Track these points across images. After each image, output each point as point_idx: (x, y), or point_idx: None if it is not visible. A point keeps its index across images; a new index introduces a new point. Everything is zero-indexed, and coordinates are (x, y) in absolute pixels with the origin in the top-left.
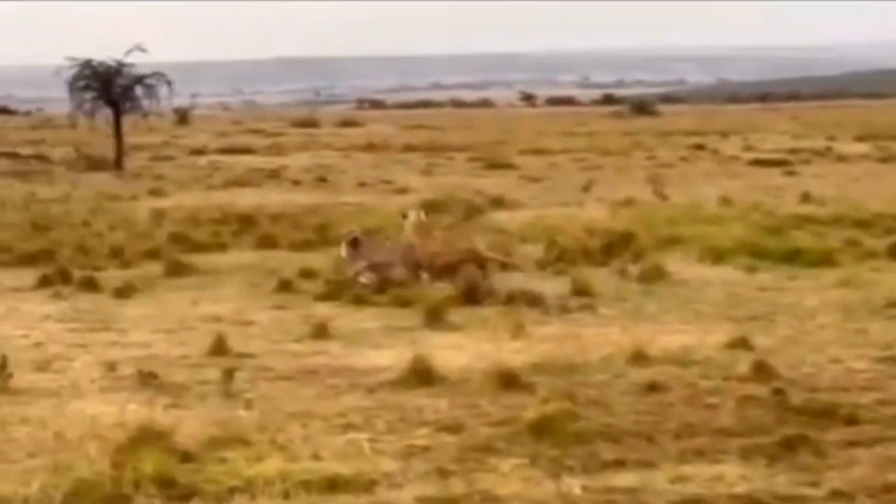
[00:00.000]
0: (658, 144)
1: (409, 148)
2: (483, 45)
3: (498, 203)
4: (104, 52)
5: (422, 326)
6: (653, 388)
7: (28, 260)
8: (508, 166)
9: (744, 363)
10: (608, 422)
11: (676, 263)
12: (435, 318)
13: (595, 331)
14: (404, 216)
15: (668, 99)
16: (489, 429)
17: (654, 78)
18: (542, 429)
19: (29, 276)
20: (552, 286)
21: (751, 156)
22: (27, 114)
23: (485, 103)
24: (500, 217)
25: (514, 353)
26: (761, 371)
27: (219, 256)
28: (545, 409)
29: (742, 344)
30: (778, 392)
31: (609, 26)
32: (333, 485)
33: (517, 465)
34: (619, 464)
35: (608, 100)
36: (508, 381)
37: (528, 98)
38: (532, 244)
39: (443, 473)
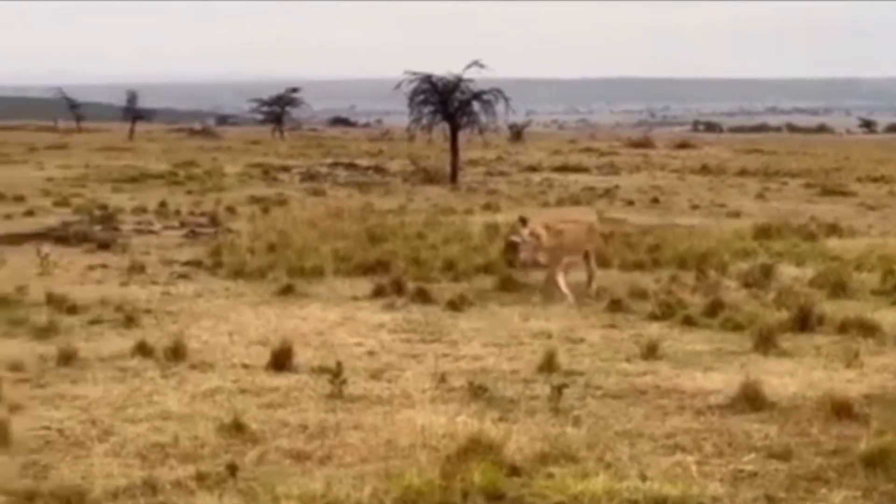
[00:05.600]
0: None
1: (743, 172)
2: (823, 69)
3: (833, 230)
4: (444, 67)
5: (752, 351)
6: None
7: (364, 269)
8: (845, 193)
9: None
10: None
11: None
12: (766, 343)
13: None
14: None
15: None
16: (820, 458)
17: None
18: (875, 461)
19: (365, 285)
20: (889, 316)
21: None
22: (366, 126)
23: (822, 129)
24: (835, 244)
25: (848, 383)
26: None
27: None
28: (879, 441)
29: None
30: None
31: None
32: None
33: (849, 497)
34: None
35: None
36: (841, 410)
37: (868, 125)
38: (868, 273)
39: (772, 501)
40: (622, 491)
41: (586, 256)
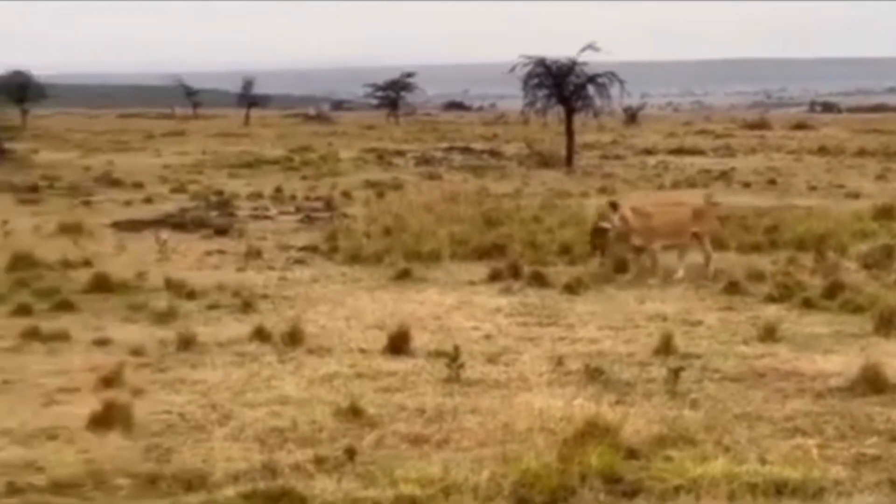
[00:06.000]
0: None
1: (862, 152)
2: None
3: None
4: (558, 50)
5: (873, 333)
6: None
7: (481, 253)
8: None
9: None
10: None
11: None
12: (887, 325)
13: None
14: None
15: None
16: None
17: None
18: None
19: (481, 269)
20: None
21: None
22: (480, 110)
23: None
24: None
25: None
26: None
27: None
28: None
29: None
30: None
31: None
32: (780, 489)
33: None
34: None
35: None
36: None
37: None
38: None
39: (895, 485)
40: (742, 474)
41: (698, 238)
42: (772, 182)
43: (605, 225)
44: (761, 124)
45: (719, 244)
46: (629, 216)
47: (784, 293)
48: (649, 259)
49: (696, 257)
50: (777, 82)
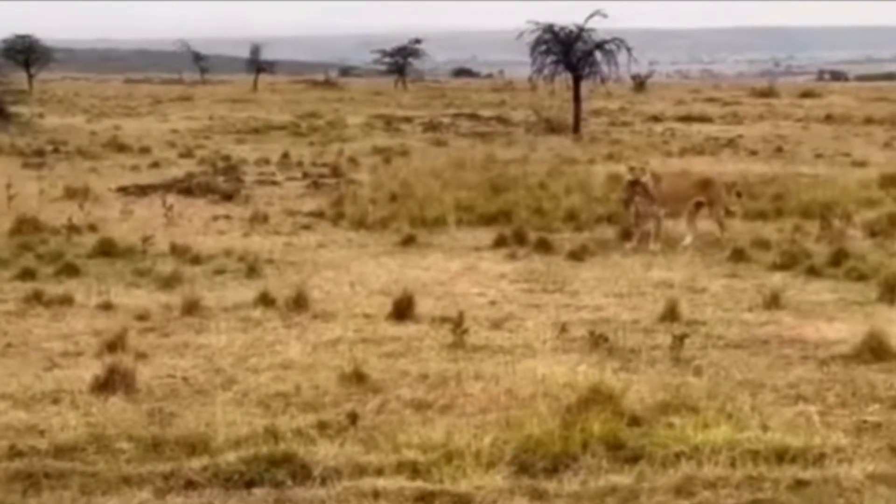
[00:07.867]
0: None
1: (869, 121)
2: None
3: None
4: (566, 17)
5: (877, 301)
6: None
7: (487, 220)
8: None
9: None
10: None
11: None
12: (892, 293)
13: None
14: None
15: None
16: None
17: None
18: None
19: (487, 235)
20: None
21: None
22: (488, 76)
23: None
24: None
25: None
26: None
27: (672, 224)
28: None
29: None
30: None
31: None
32: (782, 456)
33: None
34: None
35: None
36: None
37: None
38: None
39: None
40: (743, 441)
41: (703, 208)
42: (778, 150)
43: (645, 179)
44: (769, 92)
45: (726, 211)
46: (647, 180)
47: (789, 261)
48: (654, 224)
49: (704, 225)
50: (785, 50)
